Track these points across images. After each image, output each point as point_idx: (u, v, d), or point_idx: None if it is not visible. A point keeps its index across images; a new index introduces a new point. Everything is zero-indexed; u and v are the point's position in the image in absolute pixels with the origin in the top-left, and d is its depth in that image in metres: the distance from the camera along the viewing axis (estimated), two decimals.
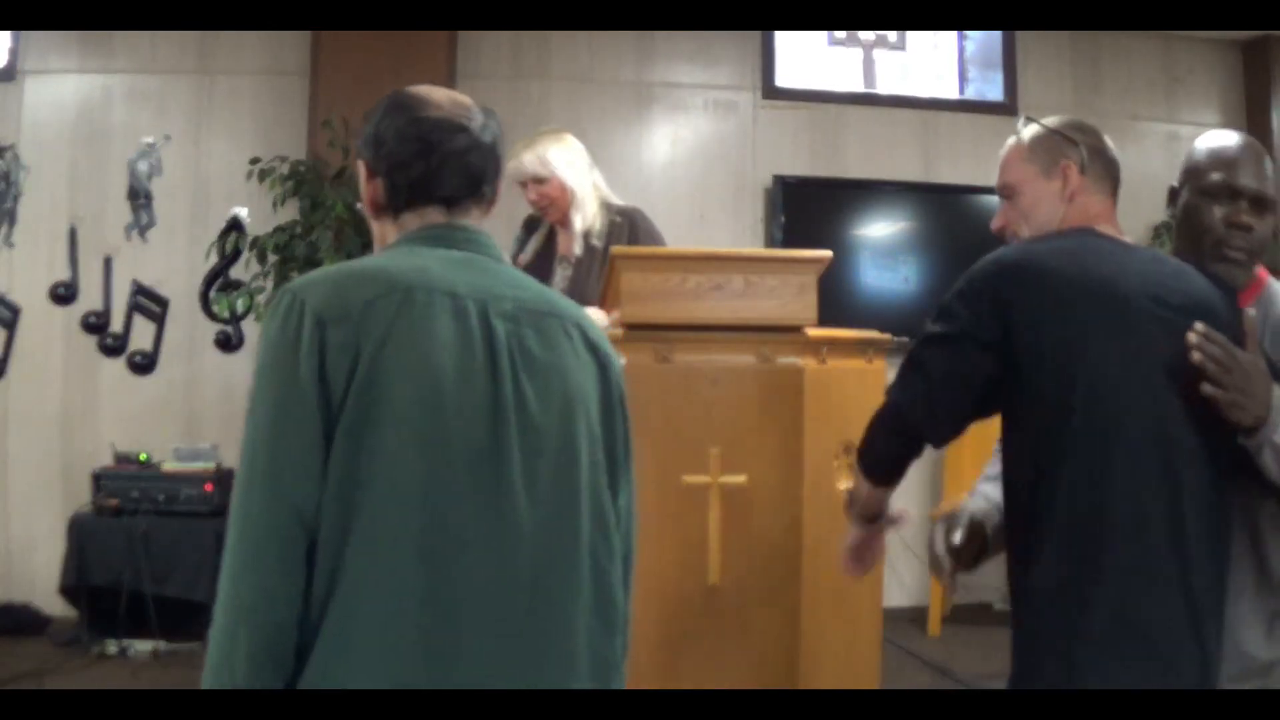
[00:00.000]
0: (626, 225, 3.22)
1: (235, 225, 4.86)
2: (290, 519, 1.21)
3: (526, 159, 3.19)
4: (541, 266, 3.25)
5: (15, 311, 4.95)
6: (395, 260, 1.35)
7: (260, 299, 4.71)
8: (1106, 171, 1.89)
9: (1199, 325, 1.59)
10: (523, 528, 1.29)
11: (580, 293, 3.21)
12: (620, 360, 1.48)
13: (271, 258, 4.68)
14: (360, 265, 1.35)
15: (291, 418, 1.23)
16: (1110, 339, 1.61)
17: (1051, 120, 1.92)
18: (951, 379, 1.71)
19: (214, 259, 4.91)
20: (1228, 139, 1.94)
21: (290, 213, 4.75)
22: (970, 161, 5.51)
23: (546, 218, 3.26)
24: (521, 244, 3.29)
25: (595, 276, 3.17)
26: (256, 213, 4.81)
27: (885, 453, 1.85)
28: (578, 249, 3.23)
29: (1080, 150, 1.88)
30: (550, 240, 3.28)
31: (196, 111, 5.09)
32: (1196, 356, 1.58)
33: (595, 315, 2.97)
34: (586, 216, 3.22)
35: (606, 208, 3.26)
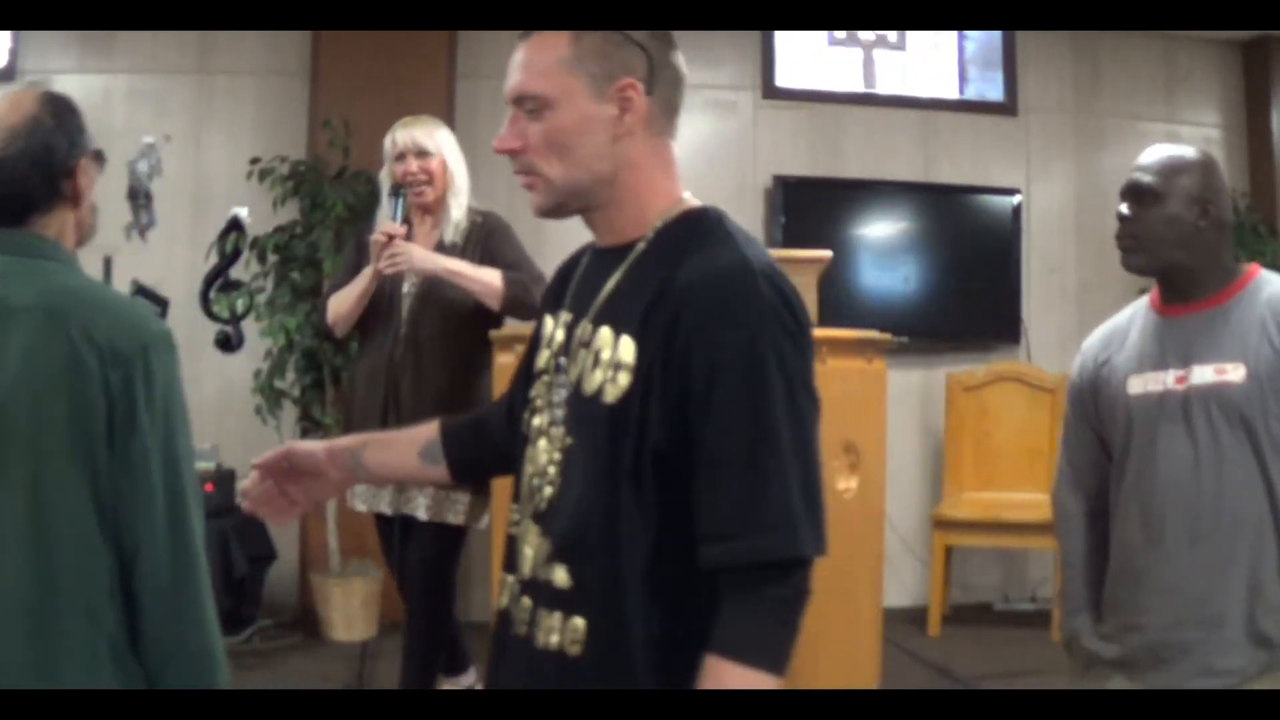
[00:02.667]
0: (486, 228, 3.19)
1: (235, 225, 4.84)
2: None
3: (416, 132, 3.17)
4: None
5: None
6: None
7: (260, 299, 4.70)
8: (673, 100, 1.41)
9: None
10: None
11: (433, 289, 3.15)
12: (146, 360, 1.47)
13: (271, 258, 4.68)
14: None
15: None
16: None
17: None
18: None
19: (214, 259, 4.90)
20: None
21: (290, 213, 4.76)
22: (970, 161, 5.51)
23: (418, 199, 3.18)
24: (394, 209, 3.19)
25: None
26: (256, 213, 4.80)
27: None
28: (443, 239, 3.16)
29: (646, 61, 1.37)
30: (408, 233, 3.18)
31: (196, 111, 5.09)
32: None
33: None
34: (461, 205, 3.18)
35: (469, 208, 3.22)
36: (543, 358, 1.45)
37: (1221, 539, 1.91)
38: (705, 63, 5.43)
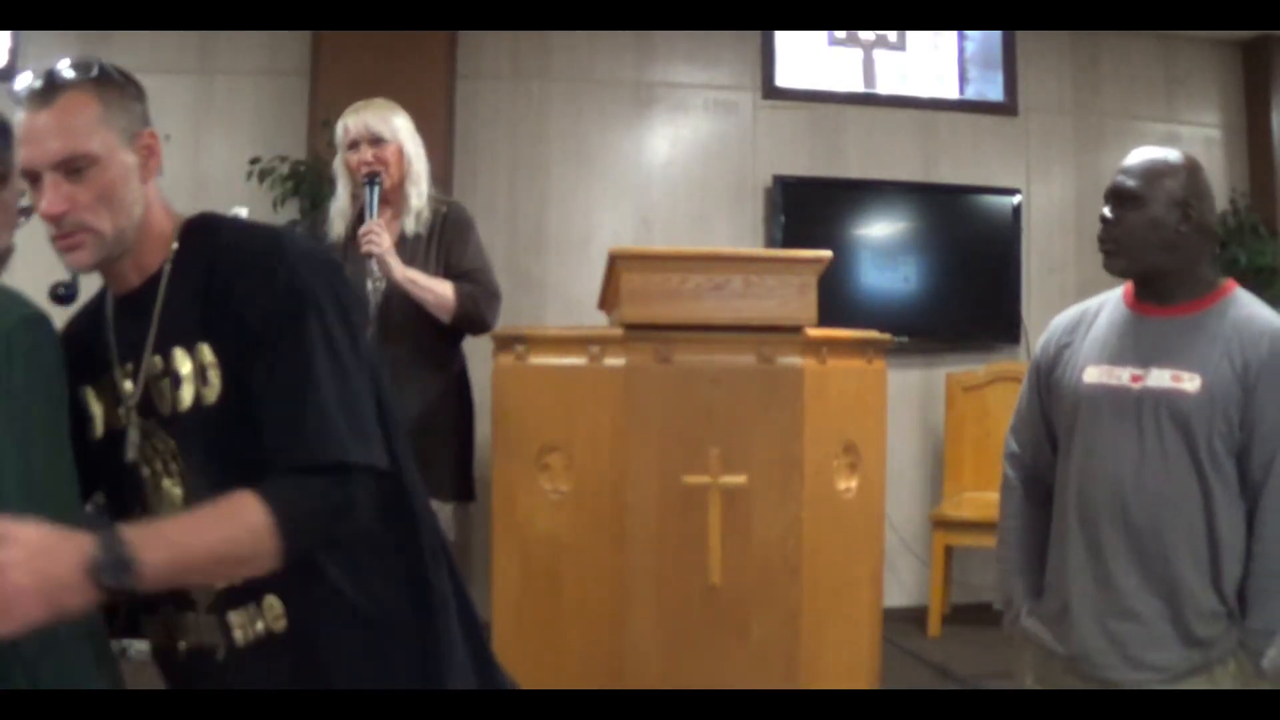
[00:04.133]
0: (447, 219, 3.04)
1: None
2: None
3: (369, 117, 3.06)
4: (354, 247, 2.98)
5: None
6: None
7: None
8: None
9: None
10: None
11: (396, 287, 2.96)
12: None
13: None
14: None
15: None
16: None
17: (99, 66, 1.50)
18: None
19: None
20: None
21: (290, 213, 4.75)
22: (970, 161, 5.51)
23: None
24: (371, 200, 3.01)
25: (419, 264, 2.96)
26: (257, 213, 4.80)
27: None
28: (404, 230, 3.00)
29: (144, 109, 1.57)
30: (361, 222, 3.01)
31: (196, 111, 5.09)
32: None
33: None
34: (421, 193, 3.04)
35: (431, 195, 3.08)
36: (121, 416, 1.50)
37: (1155, 539, 1.95)
38: (705, 63, 5.43)
